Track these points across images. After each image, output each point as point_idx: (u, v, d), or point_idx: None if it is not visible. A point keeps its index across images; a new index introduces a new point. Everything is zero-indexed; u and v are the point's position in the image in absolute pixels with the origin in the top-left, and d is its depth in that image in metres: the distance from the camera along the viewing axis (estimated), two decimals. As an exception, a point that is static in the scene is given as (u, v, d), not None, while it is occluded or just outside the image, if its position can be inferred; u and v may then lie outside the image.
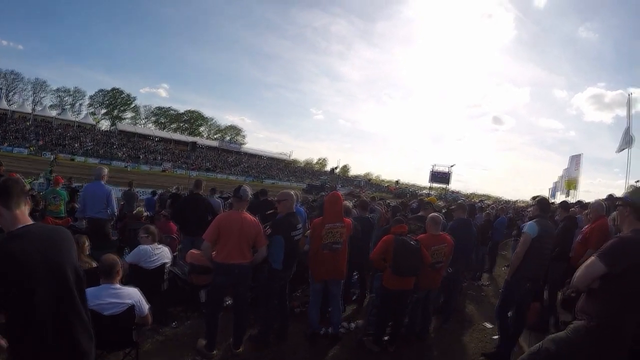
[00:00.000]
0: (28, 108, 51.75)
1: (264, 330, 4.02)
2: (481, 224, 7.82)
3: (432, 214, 4.65)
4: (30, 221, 1.74)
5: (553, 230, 3.93)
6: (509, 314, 4.15)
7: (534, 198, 4.92)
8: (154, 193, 12.22)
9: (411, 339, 4.45)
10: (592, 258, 2.16)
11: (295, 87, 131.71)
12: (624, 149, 14.18)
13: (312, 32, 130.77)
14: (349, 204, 4.89)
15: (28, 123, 45.45)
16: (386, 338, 4.22)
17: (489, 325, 5.37)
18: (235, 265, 3.58)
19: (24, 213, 1.72)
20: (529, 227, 3.77)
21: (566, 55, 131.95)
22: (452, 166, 40.76)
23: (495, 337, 4.59)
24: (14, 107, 49.16)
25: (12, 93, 58.07)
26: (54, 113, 54.44)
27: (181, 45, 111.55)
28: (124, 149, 50.11)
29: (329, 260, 4.07)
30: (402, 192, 46.40)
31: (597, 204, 5.01)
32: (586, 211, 7.03)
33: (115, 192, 6.64)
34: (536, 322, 4.89)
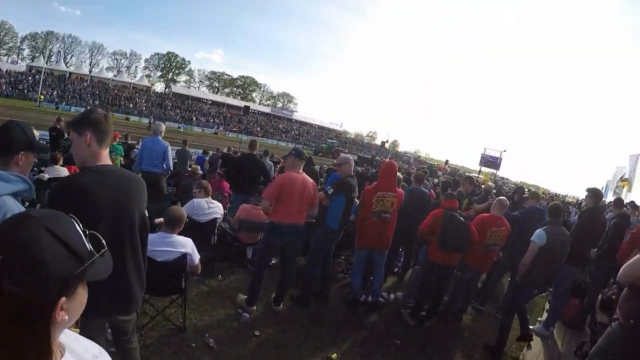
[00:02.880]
0: (85, 70, 53.98)
1: (305, 292, 4.09)
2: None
3: (501, 197, 4.53)
4: (109, 162, 1.79)
5: (565, 237, 3.70)
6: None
7: (588, 190, 4.63)
8: (205, 152, 12.72)
9: (447, 317, 4.38)
10: (638, 255, 2.19)
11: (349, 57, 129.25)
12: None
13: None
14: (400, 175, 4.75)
15: (85, 84, 47.95)
16: (423, 313, 4.19)
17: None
18: (291, 225, 3.60)
19: (106, 155, 1.77)
20: (537, 235, 3.59)
21: None
22: (503, 151, 38.59)
23: (532, 327, 4.43)
24: (71, 69, 51.52)
25: (70, 56, 61.78)
26: (110, 75, 56.88)
27: (236, 12, 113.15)
28: (177, 111, 51.67)
29: (376, 229, 4.02)
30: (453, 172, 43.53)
31: None
32: (638, 212, 6.74)
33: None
34: (573, 319, 4.77)
